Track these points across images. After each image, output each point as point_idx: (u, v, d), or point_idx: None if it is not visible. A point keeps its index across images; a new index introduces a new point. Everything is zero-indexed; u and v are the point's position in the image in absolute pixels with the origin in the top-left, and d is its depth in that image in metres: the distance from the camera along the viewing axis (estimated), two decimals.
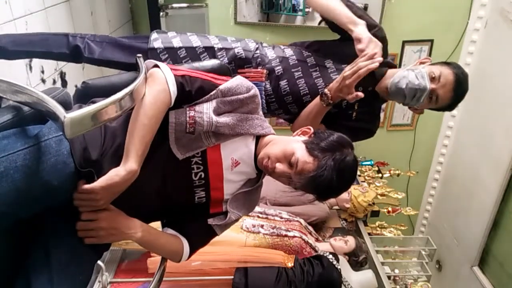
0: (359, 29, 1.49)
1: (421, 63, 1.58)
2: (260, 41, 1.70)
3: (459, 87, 1.49)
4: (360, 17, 1.55)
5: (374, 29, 1.55)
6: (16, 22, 1.59)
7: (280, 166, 1.06)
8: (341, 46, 1.61)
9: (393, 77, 1.56)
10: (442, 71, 1.50)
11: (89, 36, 1.58)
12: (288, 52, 1.66)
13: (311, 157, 1.04)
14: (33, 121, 0.97)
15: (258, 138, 1.14)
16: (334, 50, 1.64)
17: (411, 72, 1.52)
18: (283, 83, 1.60)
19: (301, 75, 1.61)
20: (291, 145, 1.08)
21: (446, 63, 1.55)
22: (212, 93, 1.05)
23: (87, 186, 0.92)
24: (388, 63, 1.64)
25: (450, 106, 1.56)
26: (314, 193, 1.07)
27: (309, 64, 1.62)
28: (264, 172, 1.14)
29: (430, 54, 3.03)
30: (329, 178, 1.01)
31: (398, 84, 1.52)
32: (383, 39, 1.56)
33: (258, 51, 1.62)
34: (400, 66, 3.04)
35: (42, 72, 1.80)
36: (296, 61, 1.62)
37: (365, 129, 1.68)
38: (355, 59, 1.47)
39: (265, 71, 1.60)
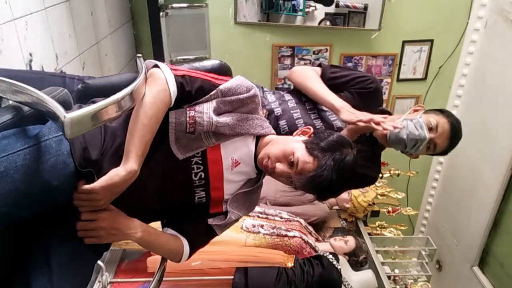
0: (344, 115, 1.52)
1: (415, 111, 1.63)
2: (261, 85, 1.74)
3: (456, 135, 1.57)
4: (348, 78, 1.61)
5: (365, 82, 1.61)
6: (16, 22, 1.59)
7: (280, 166, 1.06)
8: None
9: None
10: (438, 120, 1.56)
11: (87, 79, 1.57)
12: (288, 96, 1.72)
13: (311, 157, 1.04)
14: (33, 121, 0.97)
15: (258, 138, 1.14)
16: None
17: (410, 122, 1.57)
18: (282, 123, 1.65)
19: (300, 116, 1.66)
20: (291, 144, 1.08)
21: (439, 111, 1.61)
22: (212, 93, 1.05)
23: (87, 186, 0.92)
24: (383, 110, 1.69)
25: (445, 152, 1.62)
26: (314, 193, 1.08)
27: (307, 107, 1.68)
28: (264, 172, 1.14)
29: (430, 54, 3.03)
30: (329, 178, 1.01)
31: (398, 135, 1.57)
32: (375, 90, 1.62)
33: None
34: (400, 66, 3.05)
35: None
36: (295, 104, 1.69)
37: (367, 176, 1.68)
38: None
39: (265, 111, 1.64)
